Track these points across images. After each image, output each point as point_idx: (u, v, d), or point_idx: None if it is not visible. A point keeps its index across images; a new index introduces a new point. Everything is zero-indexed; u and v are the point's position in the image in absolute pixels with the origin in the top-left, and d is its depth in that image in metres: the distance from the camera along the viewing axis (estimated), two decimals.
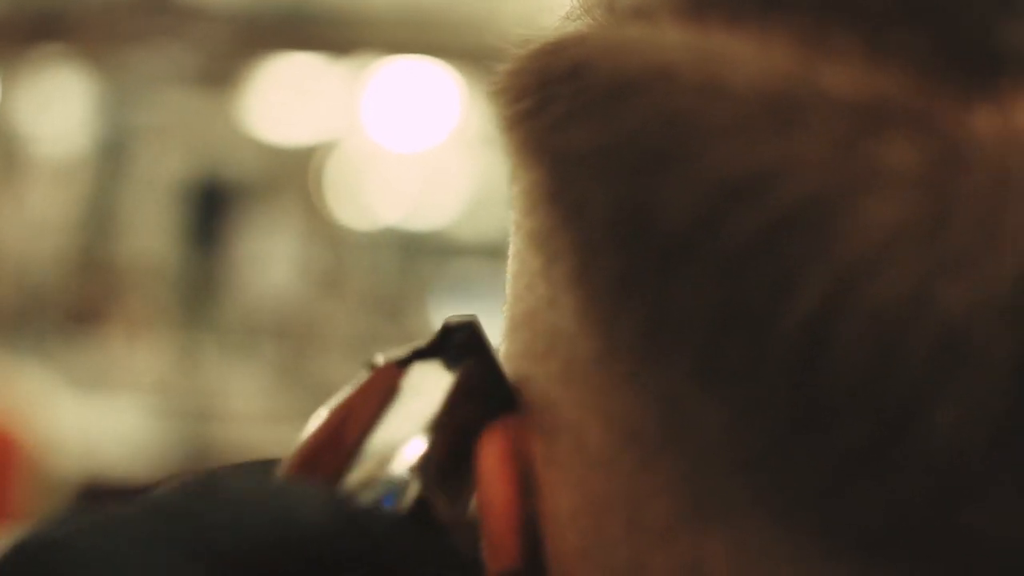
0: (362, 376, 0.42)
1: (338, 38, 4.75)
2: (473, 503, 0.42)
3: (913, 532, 0.32)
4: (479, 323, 0.42)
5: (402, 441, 0.41)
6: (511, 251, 0.40)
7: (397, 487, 0.40)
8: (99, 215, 5.03)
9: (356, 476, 0.40)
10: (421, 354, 0.42)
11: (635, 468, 0.35)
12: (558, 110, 0.36)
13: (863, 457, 0.32)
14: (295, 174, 5.09)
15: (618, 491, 0.36)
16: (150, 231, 4.97)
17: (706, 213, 0.33)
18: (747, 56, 0.34)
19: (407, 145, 5.15)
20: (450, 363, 0.42)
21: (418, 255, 5.38)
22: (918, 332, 0.31)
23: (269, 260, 4.88)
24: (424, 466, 0.40)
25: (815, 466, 0.32)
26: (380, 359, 0.42)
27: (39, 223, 4.88)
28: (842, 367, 0.31)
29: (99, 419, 3.89)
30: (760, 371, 0.32)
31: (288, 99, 4.98)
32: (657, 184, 0.34)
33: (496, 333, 0.42)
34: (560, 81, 0.37)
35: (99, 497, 0.48)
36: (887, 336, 0.31)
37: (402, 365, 0.42)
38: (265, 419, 3.86)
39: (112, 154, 5.10)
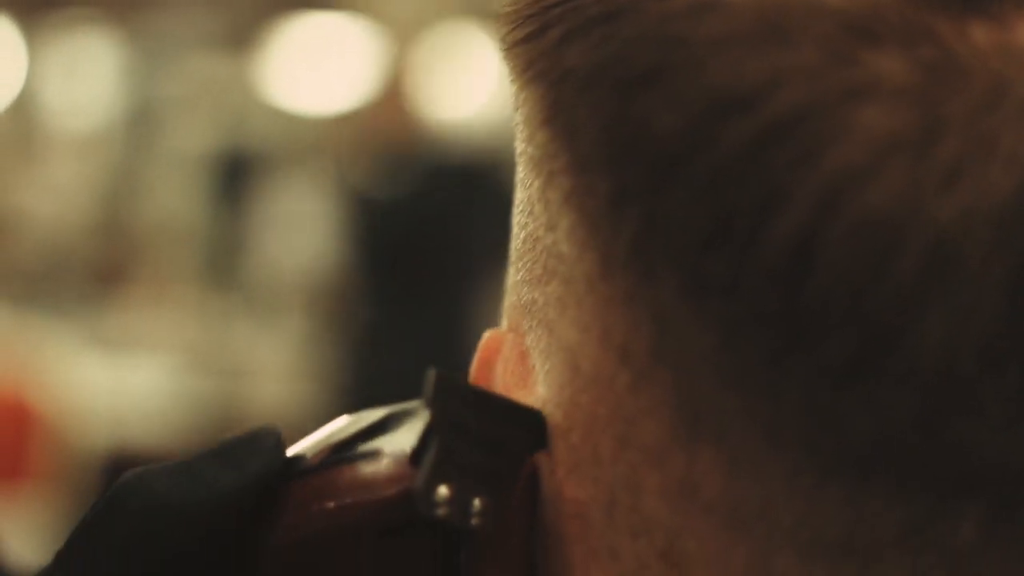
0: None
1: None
2: None
3: (905, 449, 0.32)
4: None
5: None
6: (517, 180, 0.41)
7: None
8: (125, 179, 5.05)
9: None
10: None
11: (627, 387, 0.35)
12: (555, 33, 0.37)
13: (853, 370, 0.32)
14: (323, 140, 5.09)
15: (610, 410, 0.36)
16: (176, 194, 4.98)
17: (696, 126, 0.32)
18: None
19: (441, 111, 5.13)
20: None
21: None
22: (908, 243, 0.31)
23: (295, 226, 4.88)
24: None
25: (806, 381, 0.32)
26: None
27: (65, 189, 4.90)
28: (831, 278, 0.31)
29: (125, 380, 3.91)
30: (749, 284, 0.32)
31: (315, 62, 4.98)
32: (648, 100, 0.34)
33: None
34: (558, 4, 0.37)
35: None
36: (876, 246, 0.31)
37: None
38: (291, 380, 3.87)
39: (138, 118, 5.11)
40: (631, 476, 0.36)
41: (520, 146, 0.39)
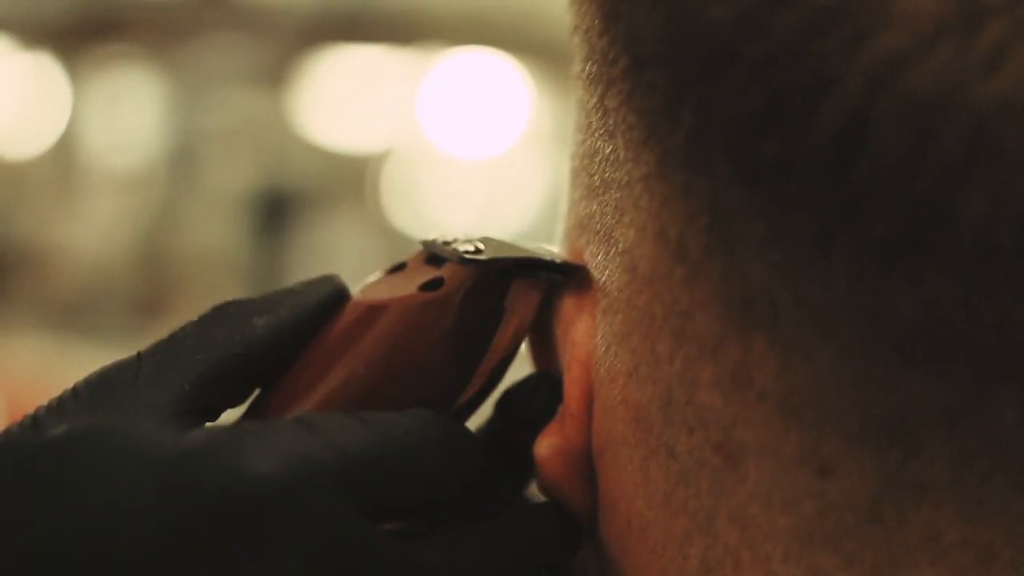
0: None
1: (407, 34, 4.77)
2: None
3: (948, 330, 0.33)
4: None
5: None
6: (574, 106, 0.42)
7: None
8: (166, 214, 5.08)
9: None
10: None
11: (683, 281, 0.37)
12: None
13: (899, 249, 0.33)
14: (361, 180, 5.10)
15: (667, 307, 0.37)
16: (217, 228, 5.01)
17: (749, 15, 0.34)
18: None
19: (475, 149, 5.12)
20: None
21: None
22: (951, 124, 0.32)
23: (333, 266, 4.90)
24: None
25: (853, 262, 0.33)
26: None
27: (107, 223, 4.94)
28: (879, 157, 0.32)
29: None
30: (799, 166, 0.33)
31: (354, 100, 5.00)
32: None
33: None
34: None
35: None
36: (921, 127, 0.32)
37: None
38: None
39: (179, 154, 5.14)
40: (687, 371, 0.37)
41: (577, 67, 0.41)
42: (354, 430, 0.39)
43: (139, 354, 0.42)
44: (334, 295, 0.44)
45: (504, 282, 0.42)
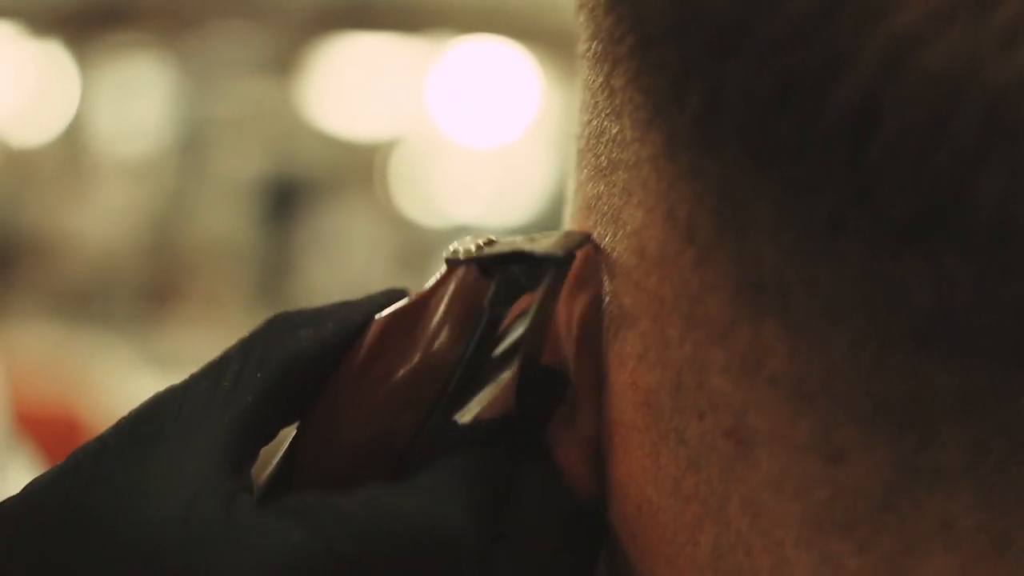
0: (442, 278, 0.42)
1: (415, 21, 4.77)
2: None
3: (964, 315, 0.32)
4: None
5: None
6: (579, 86, 0.42)
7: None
8: (175, 201, 5.08)
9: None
10: (507, 259, 0.42)
11: (693, 264, 0.36)
12: None
13: (915, 231, 0.32)
14: (370, 168, 5.10)
15: (677, 289, 0.37)
16: (225, 215, 5.01)
17: None
18: None
19: (484, 138, 5.11)
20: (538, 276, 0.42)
21: None
22: (966, 103, 0.31)
23: (341, 254, 4.90)
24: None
25: (867, 245, 0.32)
26: (459, 255, 0.42)
27: (117, 211, 4.94)
28: (892, 137, 0.32)
29: None
30: (812, 148, 0.32)
31: (362, 88, 4.99)
32: None
33: None
34: None
35: None
36: (937, 106, 0.31)
37: (486, 270, 0.42)
38: None
39: (188, 142, 5.15)
40: (697, 355, 0.36)
41: (582, 47, 0.40)
42: (354, 519, 0.38)
43: (187, 382, 0.41)
44: (387, 304, 0.43)
45: (483, 280, 0.41)
